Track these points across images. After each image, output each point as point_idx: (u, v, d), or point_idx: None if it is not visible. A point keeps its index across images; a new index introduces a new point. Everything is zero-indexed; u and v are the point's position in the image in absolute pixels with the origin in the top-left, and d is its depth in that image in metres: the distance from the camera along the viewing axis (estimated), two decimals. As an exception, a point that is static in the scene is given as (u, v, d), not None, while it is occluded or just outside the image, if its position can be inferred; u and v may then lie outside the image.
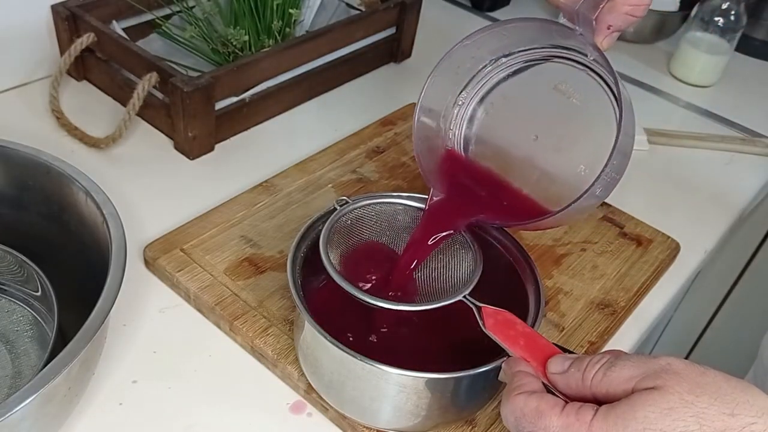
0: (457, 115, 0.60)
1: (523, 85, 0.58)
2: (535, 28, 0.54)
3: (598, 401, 0.39)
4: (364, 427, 0.53)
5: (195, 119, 0.74)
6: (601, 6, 0.45)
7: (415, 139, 0.59)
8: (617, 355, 0.41)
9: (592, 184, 0.49)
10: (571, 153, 0.56)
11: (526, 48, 0.56)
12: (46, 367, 0.42)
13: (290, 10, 0.86)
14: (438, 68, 0.57)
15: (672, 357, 0.39)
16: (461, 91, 0.60)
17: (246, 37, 0.83)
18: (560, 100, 0.55)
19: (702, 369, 0.38)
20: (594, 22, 0.45)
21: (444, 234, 0.56)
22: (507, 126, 0.60)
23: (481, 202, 0.58)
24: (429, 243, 0.56)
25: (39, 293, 0.58)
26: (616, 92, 0.48)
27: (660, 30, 1.14)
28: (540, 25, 0.52)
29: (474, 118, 0.60)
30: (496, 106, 0.59)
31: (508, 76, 0.58)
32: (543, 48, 0.56)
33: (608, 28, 0.45)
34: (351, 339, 0.54)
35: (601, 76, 0.54)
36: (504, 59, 0.57)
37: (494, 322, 0.48)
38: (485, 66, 0.58)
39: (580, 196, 0.49)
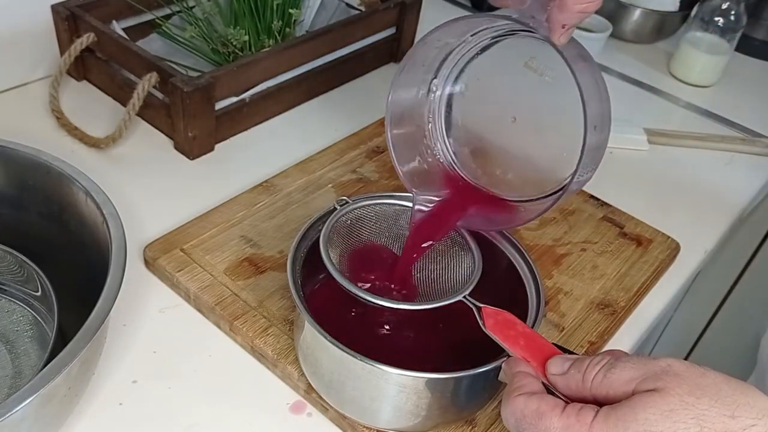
0: (432, 103, 0.59)
1: (494, 63, 0.56)
2: (494, 19, 0.52)
3: (599, 402, 0.39)
4: (364, 427, 0.53)
5: (195, 119, 0.74)
6: (548, 7, 0.44)
7: (390, 145, 0.57)
8: (617, 356, 0.41)
9: (566, 186, 0.48)
10: (550, 133, 0.55)
11: (492, 25, 0.53)
12: (46, 367, 0.42)
13: (290, 10, 0.86)
14: (402, 69, 0.54)
15: (672, 358, 0.39)
16: (433, 78, 0.57)
17: (246, 37, 0.83)
18: (533, 78, 0.53)
19: (702, 370, 0.38)
20: (545, 22, 0.44)
21: (430, 243, 0.56)
22: (484, 110, 0.58)
23: (463, 209, 0.58)
24: (423, 246, 0.57)
25: (39, 293, 0.58)
26: (578, 88, 0.46)
27: (660, 30, 1.14)
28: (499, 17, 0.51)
29: (451, 105, 0.59)
30: (471, 89, 0.57)
31: (477, 54, 0.56)
32: (508, 22, 0.53)
33: (563, 27, 0.44)
34: (351, 339, 0.54)
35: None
36: (471, 37, 0.55)
37: (494, 322, 0.48)
38: (453, 49, 0.56)
39: (554, 202, 0.49)
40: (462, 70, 0.57)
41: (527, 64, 0.52)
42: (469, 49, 0.55)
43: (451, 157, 0.60)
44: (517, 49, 0.54)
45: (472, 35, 0.54)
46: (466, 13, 1.12)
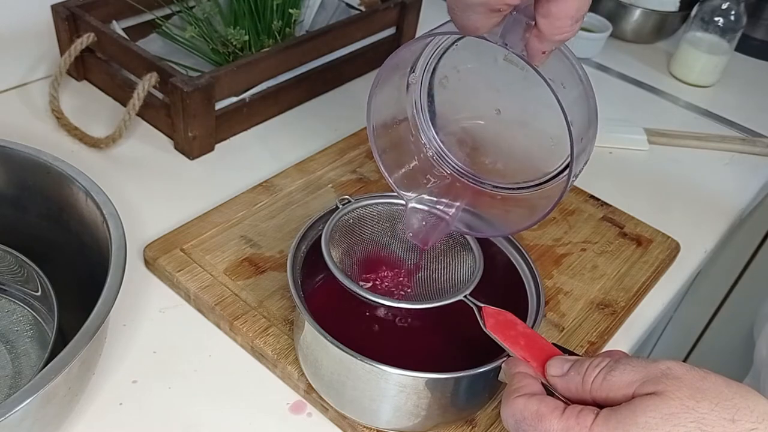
0: (414, 94, 0.57)
1: (471, 53, 0.55)
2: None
3: (598, 405, 0.39)
4: (364, 427, 0.53)
5: (195, 119, 0.74)
6: (525, 38, 0.43)
7: (377, 155, 0.57)
8: (617, 358, 0.40)
9: (561, 195, 0.49)
10: (536, 125, 0.55)
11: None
12: (46, 367, 0.42)
13: (290, 10, 0.86)
14: (378, 82, 0.54)
15: (672, 361, 0.39)
16: (411, 73, 0.56)
17: (246, 37, 0.83)
18: (512, 69, 0.52)
19: (702, 373, 0.38)
20: (524, 52, 0.44)
21: (429, 244, 0.57)
22: (467, 102, 0.57)
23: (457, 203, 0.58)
24: (422, 248, 0.57)
25: (39, 293, 0.58)
26: (564, 116, 0.45)
27: (660, 30, 1.14)
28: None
29: (433, 96, 0.58)
30: (452, 80, 0.57)
31: (452, 44, 0.54)
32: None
33: (543, 53, 0.43)
34: (351, 339, 0.54)
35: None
36: (442, 28, 0.51)
37: (495, 322, 0.48)
38: (428, 43, 0.54)
39: (548, 212, 0.49)
40: (440, 59, 0.56)
41: (507, 58, 0.52)
42: (444, 40, 0.55)
43: (438, 146, 0.60)
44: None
45: (443, 32, 0.53)
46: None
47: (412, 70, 0.56)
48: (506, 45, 0.43)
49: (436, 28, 0.48)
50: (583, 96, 0.48)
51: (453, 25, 0.44)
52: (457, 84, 0.57)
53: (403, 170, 0.59)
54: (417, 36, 0.52)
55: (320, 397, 0.54)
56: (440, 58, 0.55)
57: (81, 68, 0.85)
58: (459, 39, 0.53)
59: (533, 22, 0.41)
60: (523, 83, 0.52)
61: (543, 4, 0.39)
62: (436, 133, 0.59)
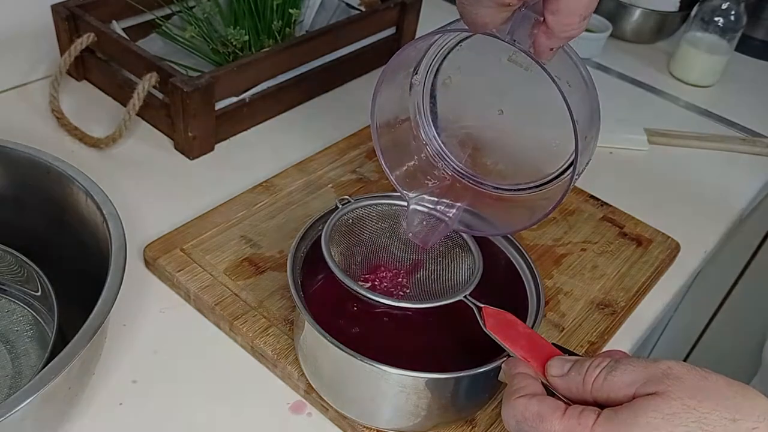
0: (416, 95, 0.58)
1: (475, 54, 0.55)
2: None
3: (599, 405, 0.39)
4: (364, 427, 0.53)
5: (195, 119, 0.74)
6: (532, 35, 0.43)
7: (380, 154, 0.57)
8: (617, 358, 0.40)
9: (564, 194, 0.49)
10: (538, 127, 0.55)
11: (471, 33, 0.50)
12: (46, 367, 0.42)
13: (290, 10, 0.86)
14: (383, 81, 0.53)
15: (673, 361, 0.39)
16: (414, 74, 0.56)
17: (246, 37, 0.83)
18: (516, 71, 0.52)
19: (703, 373, 0.38)
20: (531, 49, 0.44)
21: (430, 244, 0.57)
22: (470, 102, 0.58)
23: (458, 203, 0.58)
24: (422, 247, 0.57)
25: (39, 293, 0.58)
26: (564, 99, 0.45)
27: (660, 30, 1.14)
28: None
29: (436, 97, 0.58)
30: (454, 81, 0.57)
31: (459, 43, 0.54)
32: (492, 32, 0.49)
33: (550, 50, 0.44)
34: (351, 339, 0.54)
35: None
36: (447, 29, 0.51)
37: (495, 322, 0.48)
38: (432, 43, 0.54)
39: (554, 207, 0.50)
40: (443, 60, 0.56)
41: (511, 58, 0.52)
42: (449, 40, 0.55)
43: (440, 147, 0.60)
44: (499, 43, 0.53)
45: (447, 31, 0.53)
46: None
47: (415, 72, 0.56)
48: (514, 41, 0.43)
49: (442, 26, 0.48)
50: (586, 95, 0.48)
51: (459, 24, 0.44)
52: (460, 84, 0.57)
53: (405, 169, 0.59)
54: (420, 35, 0.51)
55: (320, 397, 0.54)
56: (443, 59, 0.55)
57: (81, 68, 0.85)
58: (464, 39, 0.53)
59: (542, 19, 0.41)
60: (527, 85, 0.52)
61: (552, 1, 0.39)
62: (438, 133, 0.59)
